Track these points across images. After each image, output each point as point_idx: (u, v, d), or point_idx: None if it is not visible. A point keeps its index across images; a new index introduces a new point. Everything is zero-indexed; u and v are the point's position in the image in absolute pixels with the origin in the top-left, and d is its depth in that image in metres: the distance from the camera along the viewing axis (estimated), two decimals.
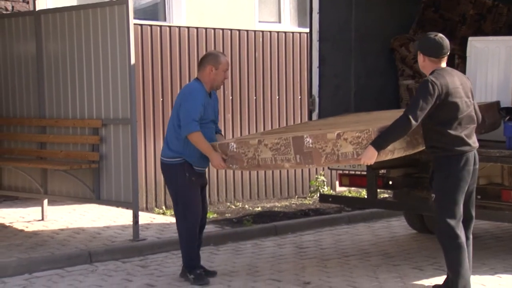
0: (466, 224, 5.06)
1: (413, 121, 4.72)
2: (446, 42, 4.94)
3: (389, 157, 4.81)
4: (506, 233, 7.29)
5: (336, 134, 4.69)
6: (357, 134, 4.66)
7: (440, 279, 5.57)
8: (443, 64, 4.96)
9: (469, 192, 5.02)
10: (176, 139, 5.40)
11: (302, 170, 9.51)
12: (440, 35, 4.97)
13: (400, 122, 4.76)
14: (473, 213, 5.11)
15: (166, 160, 5.47)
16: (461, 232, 4.92)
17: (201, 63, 5.55)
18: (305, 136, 4.82)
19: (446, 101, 4.81)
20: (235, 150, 5.05)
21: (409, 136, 4.86)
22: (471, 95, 5.02)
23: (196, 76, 5.62)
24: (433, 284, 5.40)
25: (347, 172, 6.89)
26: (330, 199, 7.03)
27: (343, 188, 9.22)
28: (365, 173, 6.44)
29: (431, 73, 4.90)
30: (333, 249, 6.71)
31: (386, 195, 8.55)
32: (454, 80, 4.89)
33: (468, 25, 7.07)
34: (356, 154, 4.65)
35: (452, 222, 4.88)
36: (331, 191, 9.52)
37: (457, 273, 4.92)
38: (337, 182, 9.13)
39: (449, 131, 4.84)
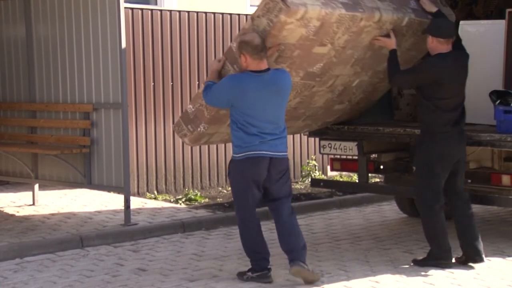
0: (461, 200, 5.49)
1: (394, 78, 5.45)
2: (452, 24, 5.45)
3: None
4: (495, 216, 7.34)
5: (250, 18, 4.98)
6: (264, 3, 4.85)
7: None
8: (449, 47, 5.33)
9: (457, 170, 5.41)
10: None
11: (294, 154, 9.52)
12: (447, 19, 5.49)
13: (392, 68, 5.43)
14: (462, 188, 5.53)
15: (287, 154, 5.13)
16: (438, 204, 5.35)
17: None
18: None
19: (439, 82, 5.19)
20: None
21: None
22: (465, 79, 5.44)
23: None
24: (424, 268, 5.45)
25: (338, 156, 6.90)
26: (321, 184, 7.04)
27: (335, 173, 9.24)
28: (356, 157, 6.46)
29: (436, 55, 5.31)
30: (324, 233, 6.73)
31: (377, 180, 8.58)
32: (453, 63, 5.29)
33: (459, 9, 7.05)
34: (272, 22, 4.81)
35: (429, 193, 5.31)
36: (323, 175, 9.53)
37: (432, 241, 5.38)
38: (328, 167, 9.15)
39: (438, 109, 5.24)
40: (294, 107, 5.68)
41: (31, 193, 7.75)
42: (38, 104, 7.46)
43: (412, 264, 5.52)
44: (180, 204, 7.89)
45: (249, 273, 5.12)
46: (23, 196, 8.10)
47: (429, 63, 5.36)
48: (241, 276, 5.16)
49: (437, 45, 5.32)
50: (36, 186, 7.68)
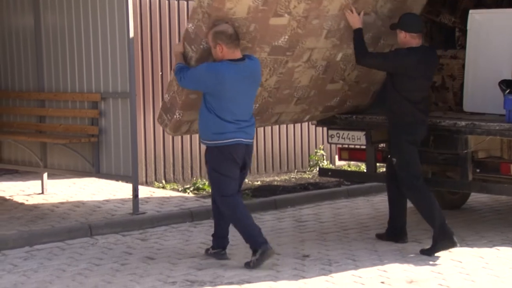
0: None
1: (361, 59, 5.49)
2: (420, 19, 5.61)
3: None
4: (504, 206, 7.32)
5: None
6: None
7: None
8: (420, 41, 5.50)
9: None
10: None
11: (301, 144, 9.51)
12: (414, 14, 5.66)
13: (358, 47, 5.48)
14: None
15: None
16: (425, 184, 5.56)
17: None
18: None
19: (408, 74, 5.39)
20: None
21: None
22: (432, 74, 5.69)
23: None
24: (432, 258, 5.45)
25: (346, 146, 6.89)
26: (329, 173, 7.04)
27: (343, 162, 9.23)
28: (364, 147, 6.45)
29: (407, 48, 5.45)
30: (332, 223, 6.74)
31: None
32: (422, 58, 5.44)
33: None
34: None
35: (416, 179, 5.53)
36: (331, 165, 9.53)
37: (432, 221, 5.49)
38: (336, 156, 9.14)
39: (406, 100, 5.42)
40: (276, 87, 5.60)
41: (40, 182, 7.78)
42: (47, 94, 7.48)
43: (420, 253, 5.52)
44: (188, 193, 7.91)
45: (253, 258, 5.16)
46: (32, 185, 8.13)
47: (400, 54, 5.48)
48: (248, 265, 5.18)
49: (410, 40, 5.48)
50: (45, 175, 7.72)
